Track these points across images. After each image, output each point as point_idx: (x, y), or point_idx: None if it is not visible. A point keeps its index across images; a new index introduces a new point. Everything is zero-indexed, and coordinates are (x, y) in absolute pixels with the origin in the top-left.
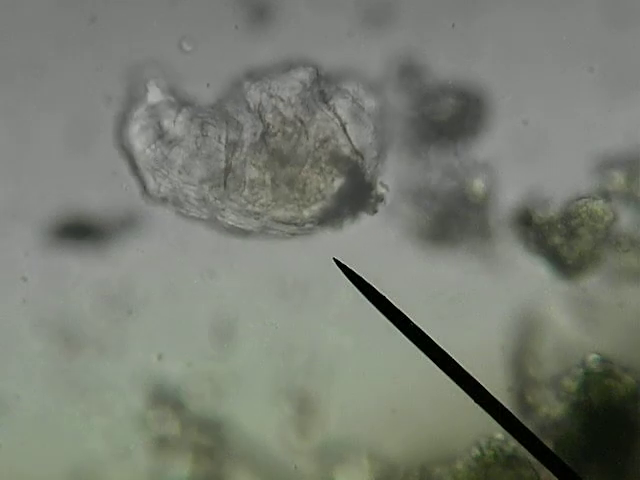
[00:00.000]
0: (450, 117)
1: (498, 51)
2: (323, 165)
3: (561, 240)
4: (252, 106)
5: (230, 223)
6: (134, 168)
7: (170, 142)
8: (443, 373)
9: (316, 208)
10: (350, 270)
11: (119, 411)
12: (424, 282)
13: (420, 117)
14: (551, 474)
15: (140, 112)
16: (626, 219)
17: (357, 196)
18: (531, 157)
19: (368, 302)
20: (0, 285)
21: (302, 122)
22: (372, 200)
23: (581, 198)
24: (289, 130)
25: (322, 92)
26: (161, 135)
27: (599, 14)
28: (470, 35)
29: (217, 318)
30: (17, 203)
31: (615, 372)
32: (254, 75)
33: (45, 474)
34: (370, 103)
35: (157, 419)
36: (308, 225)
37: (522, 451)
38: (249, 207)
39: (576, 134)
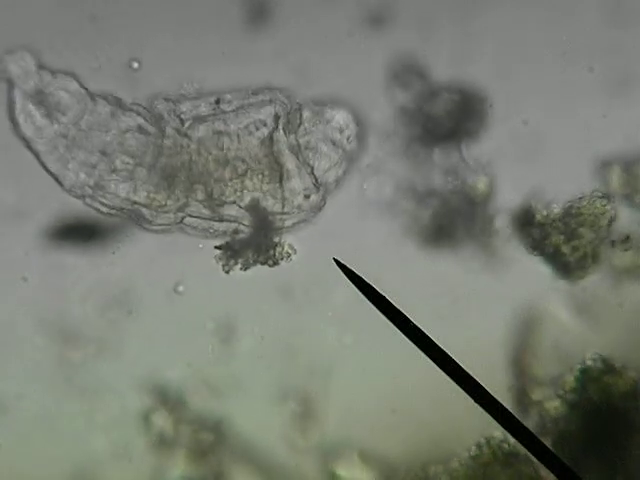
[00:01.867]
0: (450, 117)
1: (498, 51)
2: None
3: (561, 239)
4: (196, 137)
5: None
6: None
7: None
8: (443, 373)
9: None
10: (350, 270)
11: (119, 411)
12: (424, 282)
13: (420, 117)
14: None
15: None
16: (626, 218)
17: (259, 245)
18: (531, 157)
19: (368, 302)
20: (0, 285)
21: (244, 162)
22: (274, 254)
23: (581, 198)
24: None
25: (276, 135)
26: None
27: (599, 14)
28: (470, 35)
29: (217, 318)
30: (17, 203)
31: (614, 370)
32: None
33: (45, 474)
34: (347, 137)
35: (157, 419)
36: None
37: (521, 449)
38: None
39: (576, 134)
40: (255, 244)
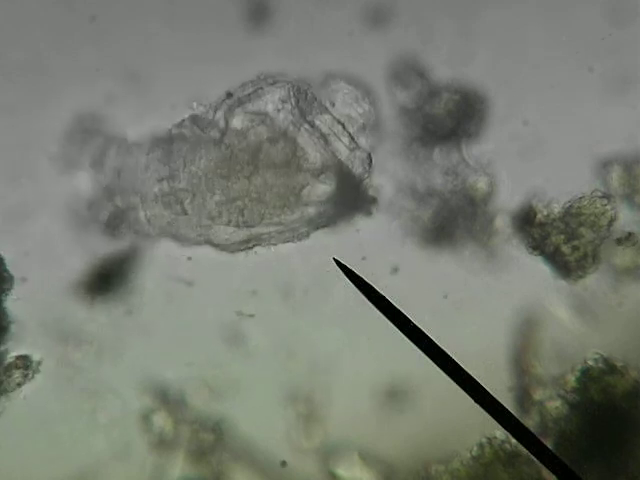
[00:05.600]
0: (450, 117)
1: (498, 51)
2: (308, 174)
3: (561, 239)
4: (232, 125)
5: (221, 241)
6: None
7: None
8: (443, 373)
9: (305, 212)
10: (350, 270)
11: (119, 411)
12: (424, 282)
13: (421, 117)
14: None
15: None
16: (626, 218)
17: (349, 200)
18: (531, 157)
19: (368, 302)
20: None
21: (285, 135)
22: (366, 203)
23: (581, 198)
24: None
25: (301, 107)
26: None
27: (599, 14)
28: (470, 35)
29: (217, 319)
30: (17, 202)
31: (616, 369)
32: (235, 93)
33: (45, 474)
34: (361, 108)
35: (157, 419)
36: (299, 228)
37: (523, 449)
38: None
39: (576, 134)
40: (341, 201)
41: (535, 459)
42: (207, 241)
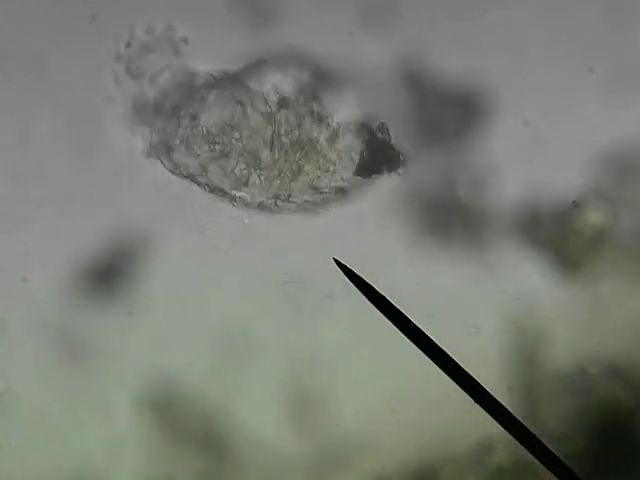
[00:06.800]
0: (451, 116)
1: (498, 51)
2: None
3: (561, 239)
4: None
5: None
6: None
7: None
8: (443, 373)
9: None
10: (350, 270)
11: (119, 411)
12: (424, 282)
13: (422, 116)
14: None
15: None
16: (626, 219)
17: (377, 160)
18: (531, 157)
19: (368, 302)
20: (0, 285)
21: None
22: (394, 161)
23: (581, 198)
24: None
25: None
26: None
27: (599, 14)
28: (470, 34)
29: (217, 318)
30: (17, 202)
31: (618, 371)
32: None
33: (45, 474)
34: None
35: (159, 419)
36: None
37: (527, 453)
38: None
39: (576, 134)
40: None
41: (535, 459)
42: (231, 193)
